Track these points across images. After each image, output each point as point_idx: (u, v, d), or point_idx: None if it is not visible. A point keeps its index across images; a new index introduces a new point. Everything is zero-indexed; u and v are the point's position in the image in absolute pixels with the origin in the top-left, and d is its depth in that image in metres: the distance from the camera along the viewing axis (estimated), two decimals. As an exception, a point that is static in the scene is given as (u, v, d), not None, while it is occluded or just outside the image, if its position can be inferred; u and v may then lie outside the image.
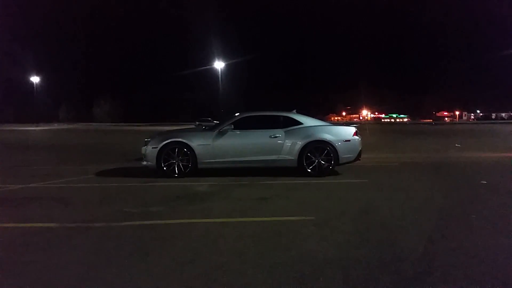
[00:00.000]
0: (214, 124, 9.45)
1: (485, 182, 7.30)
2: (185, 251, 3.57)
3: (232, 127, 8.17)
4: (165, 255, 3.48)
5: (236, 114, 8.70)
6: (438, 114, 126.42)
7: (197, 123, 50.70)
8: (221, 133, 8.12)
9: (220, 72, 63.23)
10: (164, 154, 7.90)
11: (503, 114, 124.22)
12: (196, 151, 7.94)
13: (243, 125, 8.30)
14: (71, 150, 16.79)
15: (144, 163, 8.15)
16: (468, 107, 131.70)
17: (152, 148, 7.95)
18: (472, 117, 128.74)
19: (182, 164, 7.97)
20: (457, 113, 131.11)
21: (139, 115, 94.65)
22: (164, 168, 7.91)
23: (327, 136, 8.14)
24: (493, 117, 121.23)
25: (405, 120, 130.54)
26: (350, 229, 4.23)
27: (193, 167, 7.97)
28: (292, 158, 8.07)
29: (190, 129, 9.82)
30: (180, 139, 8.01)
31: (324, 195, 6.30)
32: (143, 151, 8.14)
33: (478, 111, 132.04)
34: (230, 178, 7.85)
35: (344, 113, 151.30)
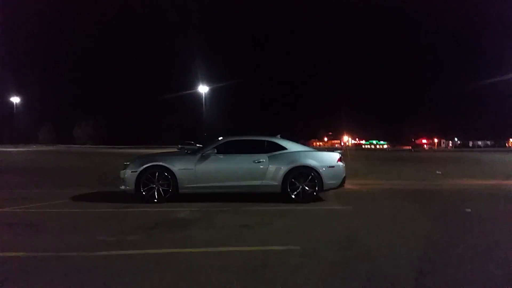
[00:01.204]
0: (197, 148, 9.25)
1: (470, 210, 7.26)
2: (163, 285, 3.32)
3: (215, 151, 7.99)
4: (141, 289, 3.22)
5: (220, 138, 8.54)
6: (417, 142, 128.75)
7: (179, 146, 50.25)
8: (204, 157, 7.92)
9: (204, 96, 63.45)
10: (144, 178, 7.63)
11: (480, 142, 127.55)
12: (178, 176, 7.70)
13: (226, 149, 8.13)
14: (48, 173, 16.21)
15: (123, 187, 7.84)
16: (446, 135, 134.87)
17: (131, 172, 7.67)
18: (450, 144, 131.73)
19: (162, 189, 7.70)
20: (435, 140, 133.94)
21: (121, 138, 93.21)
22: (143, 193, 7.61)
23: (312, 162, 8.04)
24: (470, 145, 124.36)
25: (385, 146, 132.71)
26: (338, 260, 4.05)
27: (173, 192, 7.71)
28: (276, 183, 7.91)
29: (172, 153, 9.59)
30: (160, 163, 7.76)
31: (309, 222, 6.12)
32: (121, 175, 7.85)
33: (456, 139, 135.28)
34: (213, 204, 7.60)
35: (325, 139, 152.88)
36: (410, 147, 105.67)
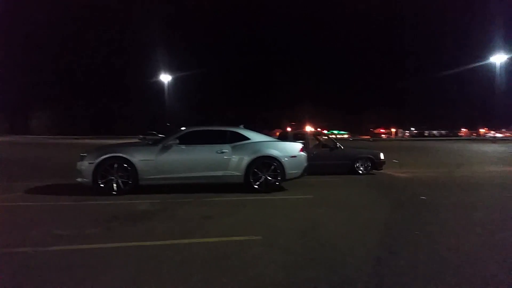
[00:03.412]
0: (159, 138, 9.07)
1: (425, 197, 7.59)
2: (121, 279, 3.24)
3: (177, 141, 7.87)
4: (97, 285, 3.13)
5: (182, 129, 8.40)
6: (375, 131, 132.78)
7: (141, 136, 49.06)
8: (165, 148, 7.78)
9: (166, 85, 62.14)
10: (102, 170, 7.39)
11: (435, 132, 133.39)
12: (138, 167, 7.52)
13: (188, 139, 8.02)
14: (1, 164, 15.38)
15: (79, 179, 7.56)
16: (403, 125, 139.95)
17: (89, 163, 7.41)
18: (407, 134, 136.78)
19: (121, 181, 7.50)
20: (393, 130, 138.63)
21: (79, 128, 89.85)
22: (101, 185, 7.38)
23: (274, 152, 8.09)
24: (426, 134, 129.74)
25: (346, 136, 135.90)
26: (298, 249, 4.12)
27: (133, 184, 7.53)
28: (239, 174, 7.91)
29: (132, 144, 9.36)
30: (119, 154, 7.54)
31: (271, 212, 6.18)
32: (78, 167, 7.56)
33: (412, 129, 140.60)
34: (174, 195, 7.50)
35: (289, 129, 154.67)
36: (369, 137, 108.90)
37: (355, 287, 3.12)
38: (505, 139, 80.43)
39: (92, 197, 7.18)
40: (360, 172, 12.10)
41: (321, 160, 11.77)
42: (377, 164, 12.37)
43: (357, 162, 12.21)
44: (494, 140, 63.92)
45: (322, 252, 4.03)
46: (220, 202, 6.96)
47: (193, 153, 7.91)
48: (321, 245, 4.29)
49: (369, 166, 12.23)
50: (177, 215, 5.87)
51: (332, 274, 3.38)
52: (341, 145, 12.46)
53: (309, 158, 11.45)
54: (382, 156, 12.49)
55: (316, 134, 13.40)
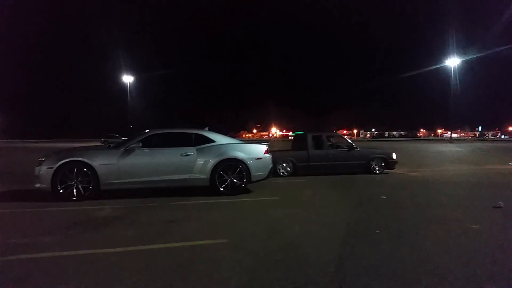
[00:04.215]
0: (121, 141, 8.85)
1: (385, 197, 7.83)
2: (82, 288, 3.13)
3: (140, 144, 7.71)
4: (57, 295, 3.01)
5: (146, 131, 8.24)
6: (338, 132, 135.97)
7: (103, 140, 47.54)
8: (128, 152, 7.60)
9: (129, 86, 60.77)
10: (61, 175, 7.12)
11: (395, 133, 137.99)
12: (99, 171, 7.30)
13: (152, 142, 7.88)
14: None
15: (38, 185, 7.25)
16: (365, 126, 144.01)
17: (47, 168, 7.12)
18: (368, 135, 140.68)
19: (81, 186, 7.26)
20: (355, 131, 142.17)
21: (38, 131, 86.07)
22: (61, 191, 7.12)
23: (240, 154, 8.10)
24: (386, 135, 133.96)
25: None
26: (263, 251, 4.14)
27: (94, 189, 7.31)
28: (204, 177, 7.85)
29: (92, 147, 9.08)
30: (79, 158, 7.29)
31: (237, 215, 6.18)
32: (36, 172, 7.25)
33: (373, 130, 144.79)
34: (138, 200, 7.34)
35: (254, 131, 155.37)
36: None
37: (318, 286, 3.17)
38: (460, 139, 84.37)
39: (51, 203, 6.90)
40: (376, 171, 12.59)
41: (339, 160, 12.41)
42: (390, 163, 12.87)
43: (372, 162, 12.66)
44: (451, 140, 67.02)
45: (287, 253, 4.07)
46: (185, 206, 6.88)
47: (157, 156, 7.78)
48: (286, 246, 4.33)
49: (383, 165, 12.73)
50: (140, 220, 5.75)
51: (296, 275, 3.42)
52: (357, 146, 12.94)
53: (327, 158, 12.05)
54: (394, 156, 13.01)
55: (333, 136, 13.66)
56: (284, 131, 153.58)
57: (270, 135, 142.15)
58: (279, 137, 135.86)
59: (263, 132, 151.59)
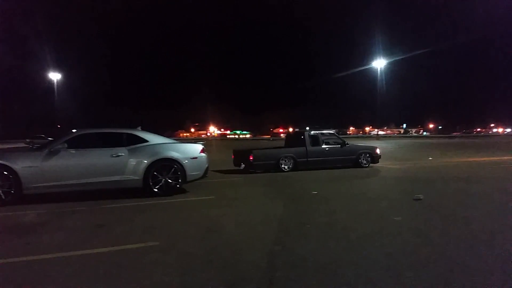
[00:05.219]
0: (47, 142, 8.29)
1: (316, 192, 8.15)
2: (-2, 302, 2.91)
3: (66, 145, 7.28)
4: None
5: (73, 131, 7.79)
6: (275, 131, 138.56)
7: (28, 140, 44.09)
8: (53, 153, 7.15)
9: (56, 84, 57.01)
10: (-22, 179, 6.52)
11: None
12: (21, 175, 6.79)
13: (79, 143, 7.47)
14: None
15: None
16: (299, 124, 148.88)
17: (-40, 173, 6.48)
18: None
19: (2, 191, 6.72)
20: (291, 129, 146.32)
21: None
22: (-23, 197, 6.52)
23: (174, 154, 7.97)
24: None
25: (248, 136, 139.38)
26: (196, 251, 4.13)
27: (17, 193, 6.79)
28: (137, 178, 7.62)
29: (14, 149, 8.40)
30: (0, 161, 6.73)
31: (171, 216, 6.08)
32: None
33: (307, 128, 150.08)
34: (65, 204, 6.93)
35: (192, 130, 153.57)
36: (269, 136, 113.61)
37: (250, 283, 3.24)
38: (387, 136, 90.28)
39: (-38, 212, 6.29)
40: (364, 165, 13.85)
41: (334, 156, 13.66)
42: (375, 158, 14.31)
43: (361, 157, 13.94)
44: (378, 137, 71.39)
45: (220, 252, 4.09)
46: (116, 209, 6.63)
47: (85, 157, 7.40)
48: (220, 245, 4.35)
49: (369, 160, 14.07)
50: (67, 225, 5.44)
51: (229, 273, 3.46)
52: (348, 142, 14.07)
53: (323, 154, 13.26)
54: (378, 151, 14.44)
55: (328, 134, 14.40)
56: (222, 130, 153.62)
57: (208, 134, 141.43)
58: (217, 136, 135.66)
59: (201, 131, 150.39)
